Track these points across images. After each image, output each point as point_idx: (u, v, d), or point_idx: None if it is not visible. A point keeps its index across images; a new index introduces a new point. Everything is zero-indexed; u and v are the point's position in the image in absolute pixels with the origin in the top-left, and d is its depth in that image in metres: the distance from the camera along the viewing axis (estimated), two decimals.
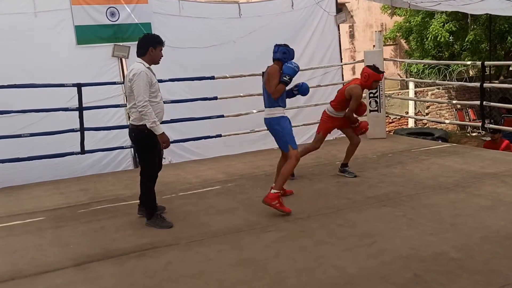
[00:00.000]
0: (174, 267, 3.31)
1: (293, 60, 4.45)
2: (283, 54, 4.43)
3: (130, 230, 4.11)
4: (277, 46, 4.51)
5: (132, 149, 7.76)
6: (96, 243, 3.85)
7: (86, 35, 7.40)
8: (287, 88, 4.53)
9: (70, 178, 6.42)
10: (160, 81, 6.87)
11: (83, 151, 6.20)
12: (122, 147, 7.06)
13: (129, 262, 3.44)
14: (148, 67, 4.17)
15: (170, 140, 6.22)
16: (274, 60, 4.49)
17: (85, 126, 6.17)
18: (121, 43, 7.54)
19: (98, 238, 3.96)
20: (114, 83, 7.14)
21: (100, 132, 6.90)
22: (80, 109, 6.11)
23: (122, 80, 7.68)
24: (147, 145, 4.15)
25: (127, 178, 6.10)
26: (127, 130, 7.62)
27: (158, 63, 4.36)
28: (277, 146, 4.63)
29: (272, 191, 4.23)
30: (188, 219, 4.33)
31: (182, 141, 7.12)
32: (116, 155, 7.51)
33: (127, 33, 7.65)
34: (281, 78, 4.33)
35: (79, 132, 6.15)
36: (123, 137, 7.66)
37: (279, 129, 4.43)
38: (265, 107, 4.58)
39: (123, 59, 7.66)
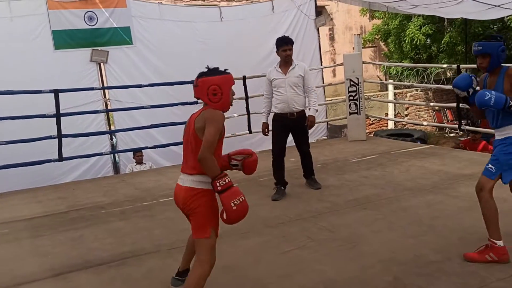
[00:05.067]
0: (154, 275, 3.29)
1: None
2: None
3: (109, 238, 4.07)
4: None
5: (111, 155, 7.70)
6: (75, 252, 3.79)
7: (64, 40, 7.34)
8: None
9: (48, 186, 6.32)
10: (139, 86, 6.91)
11: (61, 158, 6.10)
12: (101, 153, 6.98)
13: (109, 271, 3.40)
14: (275, 67, 5.00)
15: (150, 146, 6.28)
16: None
17: (63, 132, 6.07)
18: (99, 48, 7.48)
19: (76, 247, 3.90)
20: (92, 88, 7.06)
21: (79, 139, 6.82)
22: (58, 115, 6.00)
23: (101, 85, 7.63)
24: (272, 128, 5.15)
25: (106, 185, 6.03)
26: (106, 136, 7.67)
27: (286, 61, 4.91)
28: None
29: None
30: (169, 226, 4.30)
31: (163, 146, 7.07)
32: (96, 161, 7.44)
33: (105, 38, 7.60)
34: None
35: (56, 139, 6.05)
36: (102, 143, 7.61)
37: None
38: None
39: (102, 64, 7.60)
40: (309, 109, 4.98)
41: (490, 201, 3.20)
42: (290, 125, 4.96)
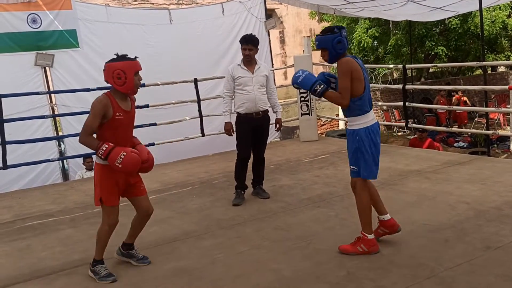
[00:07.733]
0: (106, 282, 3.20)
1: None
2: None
3: (59, 246, 3.93)
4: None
5: (60, 162, 7.45)
6: (22, 262, 3.64)
7: (6, 43, 7.06)
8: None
9: None
10: (88, 90, 6.72)
11: (5, 166, 5.84)
12: (48, 160, 6.73)
13: (59, 281, 3.28)
14: (238, 64, 4.80)
15: None
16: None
17: (7, 139, 5.82)
18: (44, 51, 7.23)
19: (24, 258, 3.74)
20: (37, 93, 6.81)
21: (25, 146, 6.56)
22: (1, 121, 5.75)
23: (47, 89, 7.37)
24: (237, 130, 4.86)
25: (55, 192, 5.82)
26: (53, 142, 7.41)
27: (247, 60, 4.76)
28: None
29: None
30: (121, 232, 4.16)
31: None
32: (43, 169, 7.18)
33: (50, 41, 7.36)
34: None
35: (0, 146, 5.79)
36: (50, 150, 7.35)
37: None
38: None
39: (47, 68, 7.35)
40: (276, 111, 5.04)
41: (362, 197, 3.42)
42: (255, 125, 4.82)
